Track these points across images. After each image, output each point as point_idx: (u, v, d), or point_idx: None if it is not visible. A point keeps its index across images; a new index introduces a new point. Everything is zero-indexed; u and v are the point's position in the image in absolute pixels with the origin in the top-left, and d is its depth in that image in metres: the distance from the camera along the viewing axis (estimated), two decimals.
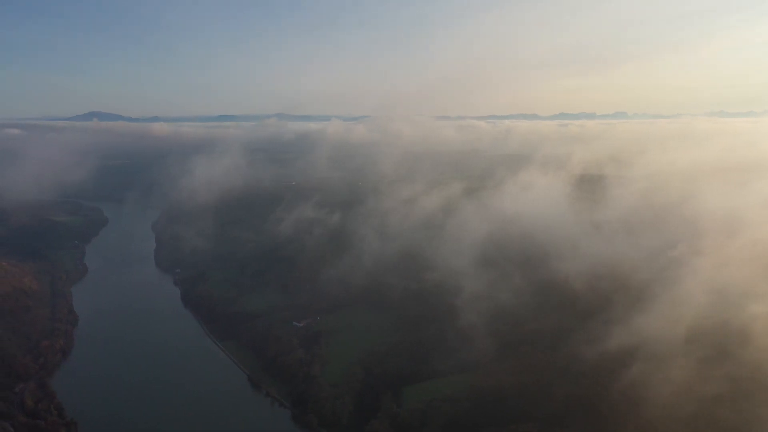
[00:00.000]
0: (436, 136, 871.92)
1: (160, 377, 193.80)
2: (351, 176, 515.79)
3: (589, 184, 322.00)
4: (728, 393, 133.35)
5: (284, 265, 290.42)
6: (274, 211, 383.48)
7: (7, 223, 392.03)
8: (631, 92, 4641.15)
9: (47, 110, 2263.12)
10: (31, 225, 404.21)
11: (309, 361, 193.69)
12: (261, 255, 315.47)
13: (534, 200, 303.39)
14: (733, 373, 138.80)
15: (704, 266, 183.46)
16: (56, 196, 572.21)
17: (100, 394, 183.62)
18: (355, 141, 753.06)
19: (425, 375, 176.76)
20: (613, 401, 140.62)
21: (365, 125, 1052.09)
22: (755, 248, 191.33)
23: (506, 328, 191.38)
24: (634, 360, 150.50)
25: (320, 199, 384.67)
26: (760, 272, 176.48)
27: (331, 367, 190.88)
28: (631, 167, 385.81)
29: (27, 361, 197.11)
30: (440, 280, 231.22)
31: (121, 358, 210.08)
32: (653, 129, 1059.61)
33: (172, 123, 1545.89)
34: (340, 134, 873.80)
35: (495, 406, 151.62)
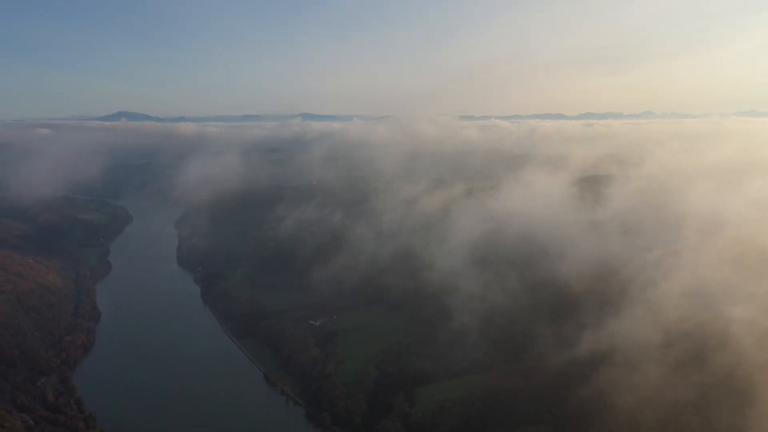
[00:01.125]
0: (458, 136, 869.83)
1: (179, 374, 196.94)
2: (368, 176, 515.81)
3: (603, 185, 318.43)
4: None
5: (302, 264, 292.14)
6: (293, 211, 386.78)
7: (34, 221, 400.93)
8: (659, 91, 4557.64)
9: (77, 110, 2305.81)
10: (58, 222, 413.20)
11: (324, 360, 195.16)
12: (280, 254, 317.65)
13: (554, 201, 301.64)
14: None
15: (705, 268, 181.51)
16: (83, 194, 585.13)
17: (120, 389, 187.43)
18: (375, 141, 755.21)
19: (438, 375, 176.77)
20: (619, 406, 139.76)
21: (387, 125, 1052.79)
22: (754, 250, 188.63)
23: (519, 329, 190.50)
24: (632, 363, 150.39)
25: (338, 200, 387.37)
26: (754, 275, 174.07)
27: (346, 366, 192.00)
28: (650, 167, 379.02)
29: (49, 356, 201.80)
30: (455, 282, 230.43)
31: (141, 354, 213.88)
32: (680, 129, 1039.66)
33: (198, 123, 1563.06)
34: (361, 134, 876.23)
35: (507, 408, 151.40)
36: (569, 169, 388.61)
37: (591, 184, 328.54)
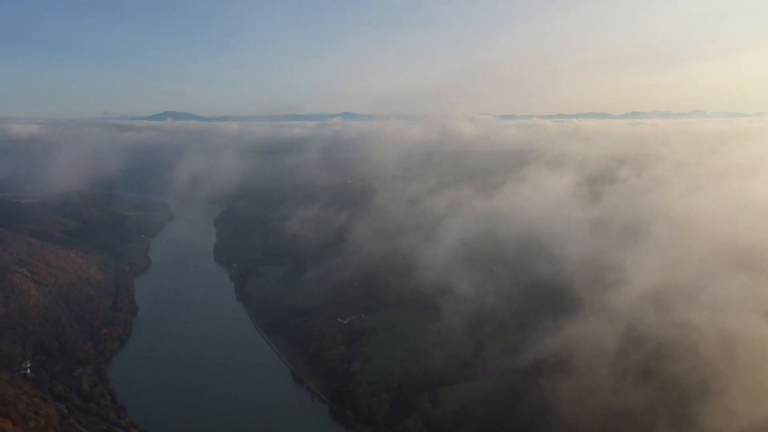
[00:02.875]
0: (497, 135, 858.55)
1: (208, 368, 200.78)
2: (401, 175, 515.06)
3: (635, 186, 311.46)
4: None
5: (335, 262, 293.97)
6: (329, 209, 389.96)
7: (80, 216, 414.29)
8: (710, 90, 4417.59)
9: (127, 110, 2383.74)
10: (102, 218, 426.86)
11: (350, 358, 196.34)
12: (315, 252, 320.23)
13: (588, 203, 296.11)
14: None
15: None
16: (127, 191, 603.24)
17: (152, 381, 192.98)
18: (411, 140, 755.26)
19: (463, 377, 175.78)
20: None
21: (424, 124, 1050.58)
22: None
23: (550, 333, 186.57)
24: None
25: (373, 198, 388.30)
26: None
27: (371, 364, 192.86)
28: (688, 167, 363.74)
29: (87, 348, 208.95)
30: (487, 284, 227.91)
31: (173, 347, 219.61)
32: (731, 128, 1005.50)
33: (241, 122, 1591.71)
34: (397, 133, 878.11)
35: (531, 412, 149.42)
36: (607, 170, 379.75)
37: (623, 184, 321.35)
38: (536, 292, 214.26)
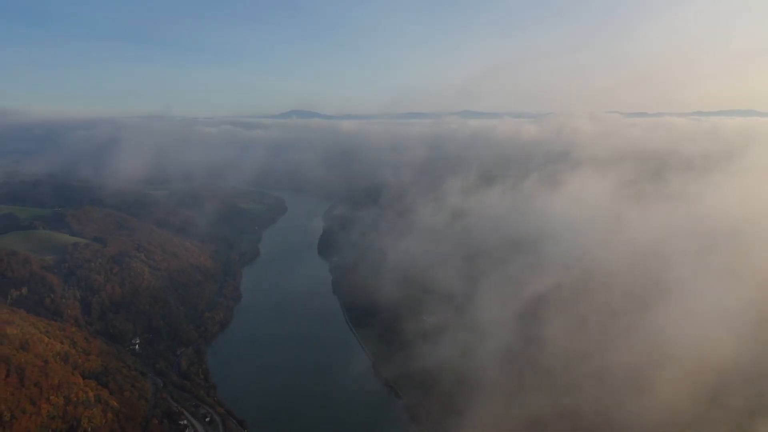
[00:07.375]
0: (618, 134, 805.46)
1: (297, 356, 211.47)
2: (500, 175, 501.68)
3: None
4: None
5: (432, 260, 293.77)
6: (432, 207, 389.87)
7: (201, 208, 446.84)
8: None
9: (256, 109, 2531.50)
10: (221, 210, 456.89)
11: (429, 356, 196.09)
12: (413, 248, 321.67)
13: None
14: None
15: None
16: (248, 185, 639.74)
17: (242, 364, 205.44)
18: (524, 139, 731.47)
19: (543, 385, 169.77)
20: None
21: (538, 123, 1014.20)
22: None
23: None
24: None
25: (476, 197, 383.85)
26: None
27: (450, 364, 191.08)
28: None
29: (190, 329, 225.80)
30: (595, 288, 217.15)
31: (268, 335, 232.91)
32: None
33: (362, 120, 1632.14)
34: (509, 133, 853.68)
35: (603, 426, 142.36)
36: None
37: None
38: None
